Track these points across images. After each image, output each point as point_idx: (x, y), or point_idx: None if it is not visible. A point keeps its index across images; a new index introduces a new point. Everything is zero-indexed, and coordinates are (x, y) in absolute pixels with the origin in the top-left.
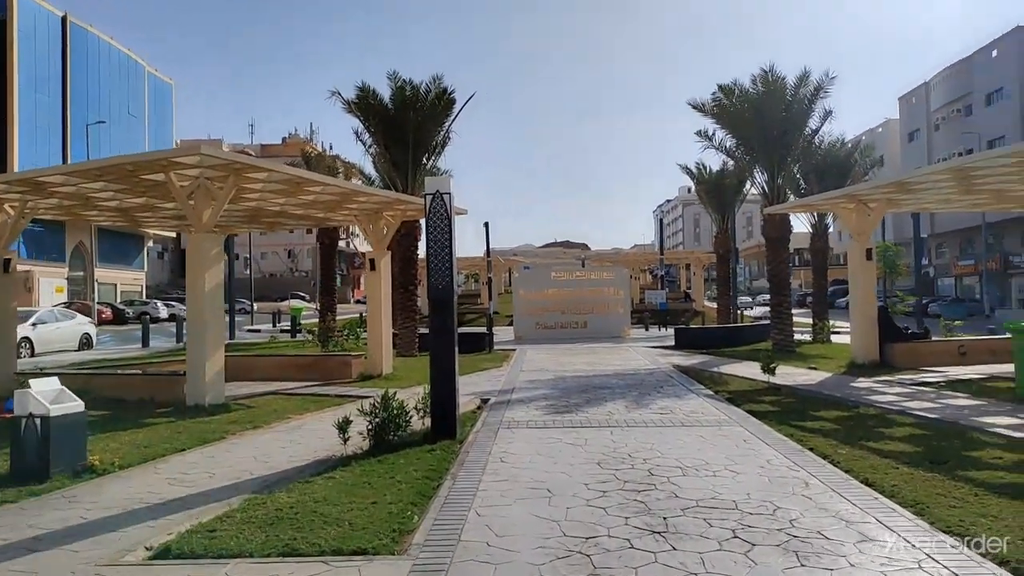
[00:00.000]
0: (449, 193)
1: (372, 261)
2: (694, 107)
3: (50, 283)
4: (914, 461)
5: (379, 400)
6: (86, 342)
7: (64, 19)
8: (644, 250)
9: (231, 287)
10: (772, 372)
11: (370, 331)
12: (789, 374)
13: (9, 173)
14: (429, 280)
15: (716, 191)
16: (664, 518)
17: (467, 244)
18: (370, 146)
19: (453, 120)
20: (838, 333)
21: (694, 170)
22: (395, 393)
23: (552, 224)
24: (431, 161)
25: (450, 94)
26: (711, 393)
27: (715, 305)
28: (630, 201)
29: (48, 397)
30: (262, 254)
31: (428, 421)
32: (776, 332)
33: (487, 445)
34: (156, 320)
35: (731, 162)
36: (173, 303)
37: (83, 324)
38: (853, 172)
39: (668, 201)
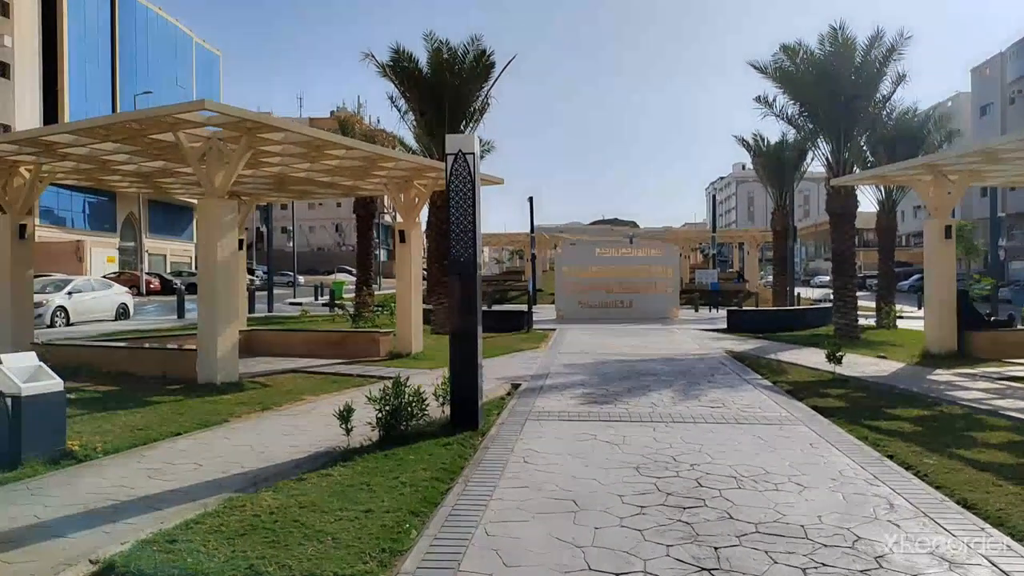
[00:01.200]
0: (473, 153)
1: (402, 233)
2: (754, 67)
3: (102, 253)
4: (1019, 476)
5: (391, 385)
6: (123, 312)
7: None
8: (695, 228)
9: (271, 258)
10: (838, 361)
11: (399, 307)
12: (856, 363)
13: (15, 132)
14: (450, 251)
15: (774, 165)
16: (715, 548)
17: (511, 219)
18: (405, 112)
19: (493, 84)
20: (904, 318)
21: (751, 142)
22: (407, 379)
23: (601, 202)
24: (469, 128)
25: (489, 56)
26: (769, 384)
27: (770, 286)
28: (682, 178)
29: (22, 375)
30: (310, 228)
31: (448, 409)
32: (839, 316)
33: (511, 440)
34: None
35: (791, 134)
36: None
37: (120, 294)
38: (926, 144)
39: (721, 178)
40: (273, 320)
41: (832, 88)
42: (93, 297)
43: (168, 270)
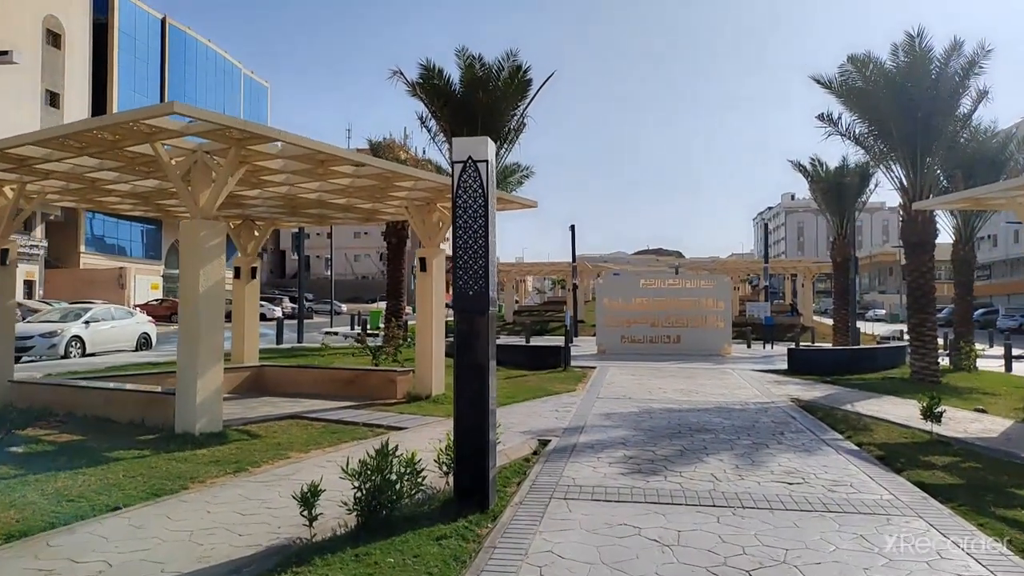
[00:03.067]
0: (487, 161)
1: (423, 260)
2: (817, 82)
3: (146, 280)
4: None
5: (375, 454)
6: (144, 342)
7: (163, 21)
8: (744, 259)
9: (302, 286)
10: (937, 419)
11: (419, 344)
12: (952, 419)
13: None
14: (455, 283)
15: (834, 191)
16: None
17: (553, 248)
18: (436, 134)
19: (529, 103)
20: (983, 358)
21: (808, 167)
22: (395, 448)
23: (644, 232)
24: (504, 150)
25: (525, 72)
26: (854, 448)
27: (828, 321)
28: (728, 209)
29: None
30: (355, 256)
31: (452, 479)
32: (916, 358)
33: (527, 533)
34: None
35: (852, 157)
36: (263, 303)
37: (142, 323)
38: (1007, 168)
39: (770, 208)
40: (296, 352)
41: (906, 104)
42: (112, 326)
43: None
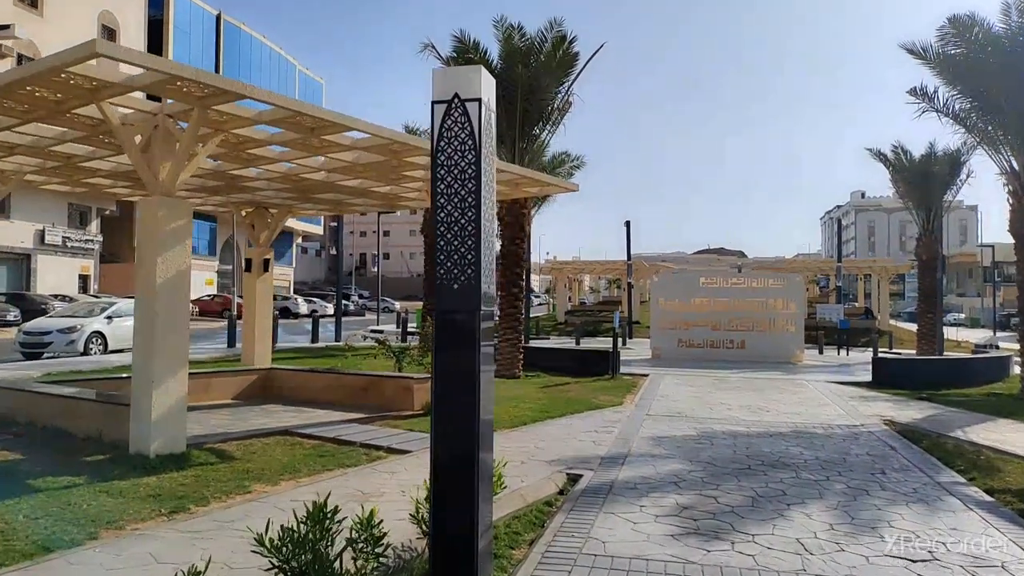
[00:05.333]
0: (479, 101)
1: None
2: (910, 51)
3: (200, 275)
4: None
5: (306, 517)
6: None
7: (218, 17)
8: (811, 259)
9: (340, 282)
10: None
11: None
12: None
13: None
14: (435, 269)
15: (920, 181)
16: None
17: (610, 248)
18: None
19: (576, 78)
20: None
21: (890, 155)
22: (334, 510)
23: (703, 234)
24: (546, 133)
25: (571, 43)
26: (986, 498)
27: (904, 325)
28: (790, 208)
29: None
30: (411, 254)
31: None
32: None
33: None
34: (297, 316)
35: (941, 143)
36: (314, 299)
37: None
38: None
39: (838, 207)
40: (326, 352)
41: (1020, 75)
42: None
43: None
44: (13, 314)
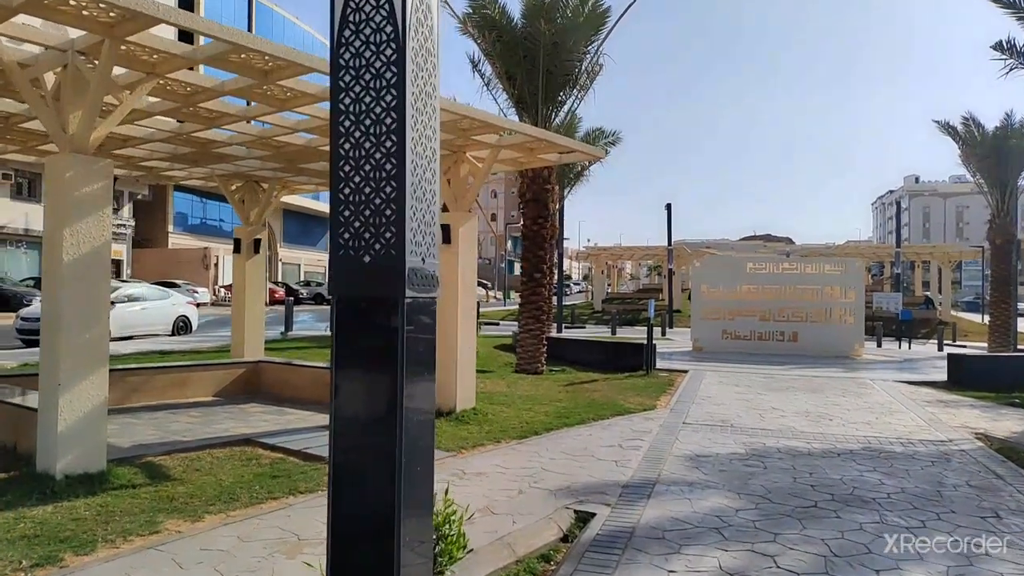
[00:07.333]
0: None
1: (445, 229)
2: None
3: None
4: None
5: None
6: (183, 326)
7: None
8: (863, 245)
9: None
10: None
11: (440, 338)
12: None
13: None
14: (332, 231)
15: (994, 157)
16: None
17: (651, 235)
18: (490, 80)
19: (606, 37)
20: None
21: (959, 128)
22: None
23: (749, 220)
24: (572, 100)
25: None
26: None
27: (966, 315)
28: (838, 193)
29: None
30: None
31: None
32: None
33: None
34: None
35: (1020, 114)
36: None
37: (180, 305)
38: None
39: (890, 192)
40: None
41: None
42: (143, 307)
43: (302, 279)
44: (39, 298)
